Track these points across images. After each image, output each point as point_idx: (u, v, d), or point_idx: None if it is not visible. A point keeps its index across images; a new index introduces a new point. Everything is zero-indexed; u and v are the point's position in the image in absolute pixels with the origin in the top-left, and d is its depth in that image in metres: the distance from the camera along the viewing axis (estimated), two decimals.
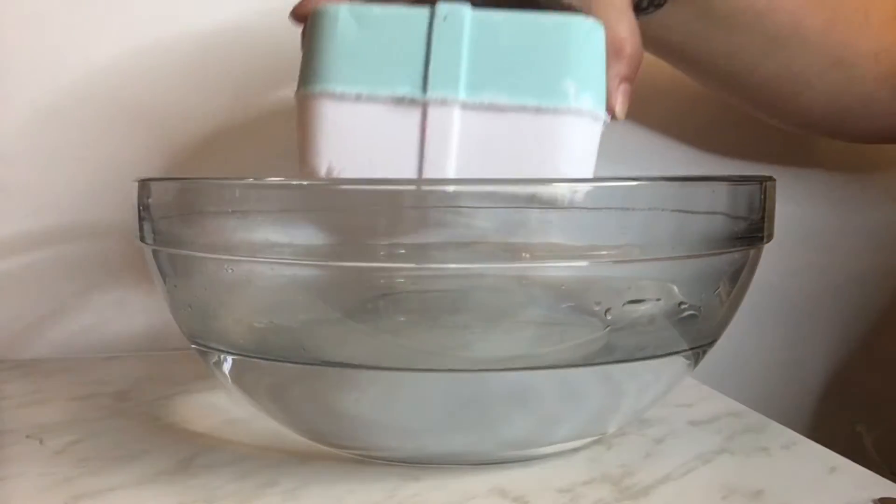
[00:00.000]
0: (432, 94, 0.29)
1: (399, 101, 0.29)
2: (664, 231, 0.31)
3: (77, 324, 0.53)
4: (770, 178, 0.34)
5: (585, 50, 0.30)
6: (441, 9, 0.30)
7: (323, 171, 0.30)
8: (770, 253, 0.36)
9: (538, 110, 0.29)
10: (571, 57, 0.29)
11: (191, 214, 0.33)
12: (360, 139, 0.30)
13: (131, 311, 0.53)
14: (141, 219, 0.35)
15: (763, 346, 0.61)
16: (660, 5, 0.42)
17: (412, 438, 0.33)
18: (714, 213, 0.32)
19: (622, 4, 0.36)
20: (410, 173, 0.29)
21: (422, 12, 0.30)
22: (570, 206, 0.29)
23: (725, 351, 0.53)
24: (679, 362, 0.34)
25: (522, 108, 0.29)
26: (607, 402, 0.33)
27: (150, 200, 0.34)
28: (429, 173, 0.29)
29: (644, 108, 0.55)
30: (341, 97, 0.30)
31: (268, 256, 0.31)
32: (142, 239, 0.35)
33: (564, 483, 0.33)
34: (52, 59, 0.51)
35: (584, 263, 0.30)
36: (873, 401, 0.62)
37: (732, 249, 0.33)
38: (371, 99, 0.29)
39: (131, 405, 0.42)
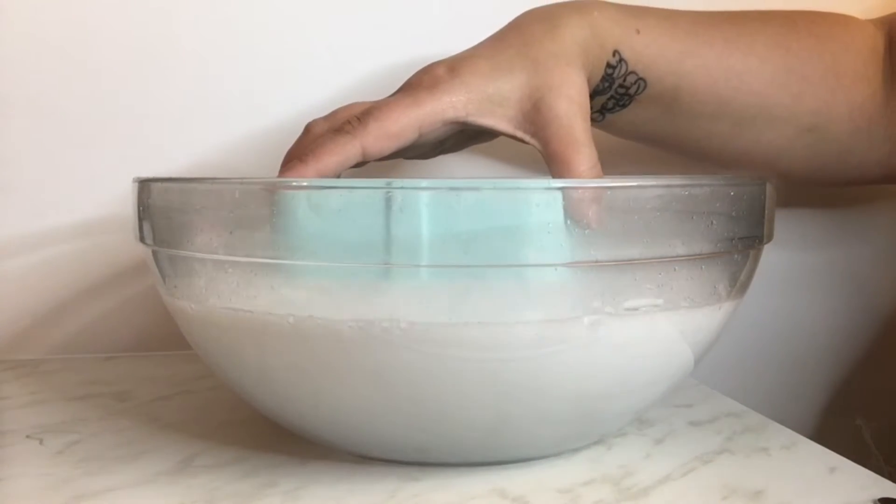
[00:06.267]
0: (396, 264, 0.30)
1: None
2: (664, 231, 0.31)
3: (77, 324, 0.53)
4: (770, 179, 0.34)
5: (545, 214, 0.30)
6: (396, 199, 0.30)
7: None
8: (770, 253, 0.36)
9: (503, 265, 0.30)
10: (531, 225, 0.30)
11: (191, 214, 0.33)
12: None
13: (131, 311, 0.54)
14: (141, 219, 0.35)
15: (763, 346, 0.61)
16: (624, 105, 0.43)
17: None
18: (714, 213, 0.32)
19: (583, 138, 0.36)
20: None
21: (378, 200, 0.31)
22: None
23: (725, 351, 0.53)
24: (679, 362, 0.34)
25: (488, 265, 0.30)
26: (607, 402, 0.33)
27: (150, 200, 0.34)
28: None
29: None
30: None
31: (267, 256, 0.31)
32: (142, 239, 0.35)
33: (564, 483, 0.33)
34: (53, 59, 0.51)
35: (584, 263, 0.30)
36: (873, 396, 0.62)
37: (732, 249, 0.33)
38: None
39: (131, 405, 0.42)
